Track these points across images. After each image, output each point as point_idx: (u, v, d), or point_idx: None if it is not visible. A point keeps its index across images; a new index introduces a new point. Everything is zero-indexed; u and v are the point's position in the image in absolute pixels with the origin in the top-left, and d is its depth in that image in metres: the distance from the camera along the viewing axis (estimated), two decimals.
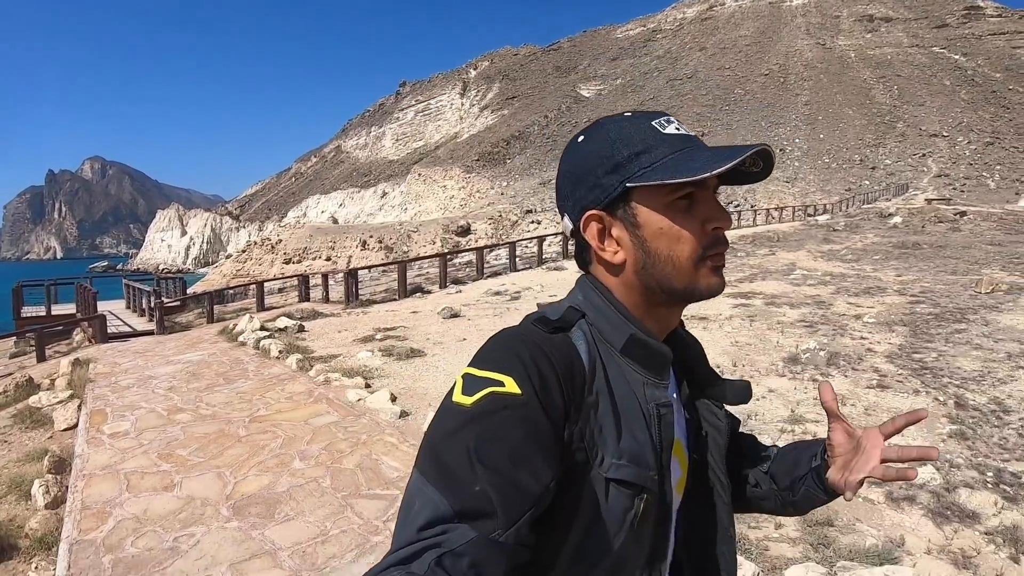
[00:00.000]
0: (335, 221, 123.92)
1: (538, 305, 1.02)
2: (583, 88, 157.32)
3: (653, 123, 0.94)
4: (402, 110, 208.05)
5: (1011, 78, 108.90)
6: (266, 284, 20.61)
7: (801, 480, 1.16)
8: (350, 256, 66.83)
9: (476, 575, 0.70)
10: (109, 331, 14.90)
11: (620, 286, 0.97)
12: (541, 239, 23.53)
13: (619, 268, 0.96)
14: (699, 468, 1.05)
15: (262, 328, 12.07)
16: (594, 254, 0.98)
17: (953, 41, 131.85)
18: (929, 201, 47.78)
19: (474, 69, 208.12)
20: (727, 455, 1.14)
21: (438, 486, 0.74)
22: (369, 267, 22.28)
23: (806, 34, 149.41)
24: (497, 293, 15.56)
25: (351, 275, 16.51)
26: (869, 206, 47.92)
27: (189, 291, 26.85)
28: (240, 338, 11.88)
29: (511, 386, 0.80)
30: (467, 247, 26.45)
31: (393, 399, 6.63)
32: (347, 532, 3.97)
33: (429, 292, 17.48)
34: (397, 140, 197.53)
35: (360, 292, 17.44)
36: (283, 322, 12.50)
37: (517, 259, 22.03)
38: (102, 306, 19.22)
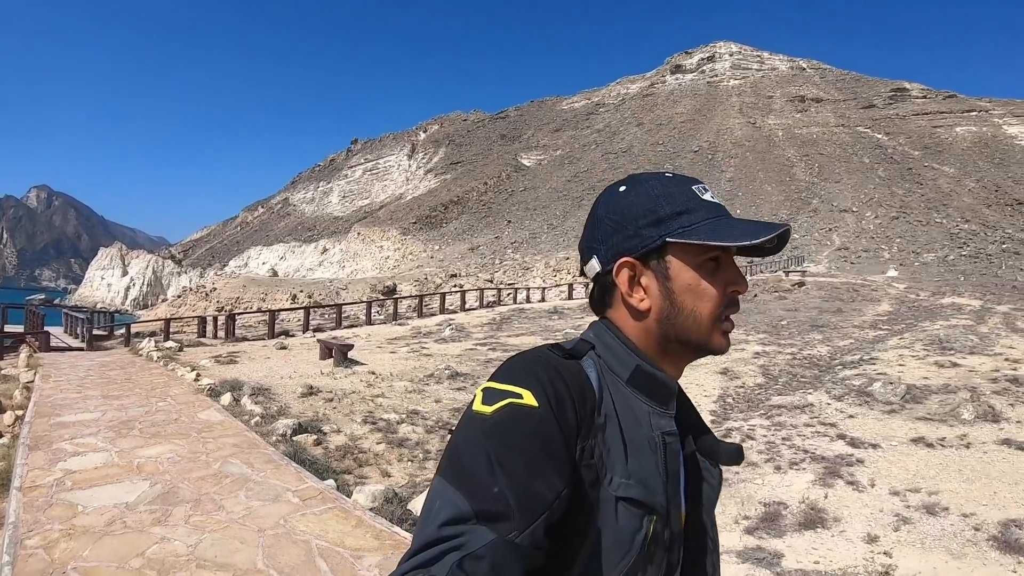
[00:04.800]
0: (275, 273, 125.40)
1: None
2: (524, 157, 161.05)
3: (693, 188, 1.03)
4: (351, 167, 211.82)
5: (929, 155, 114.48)
6: (185, 320, 26.95)
7: None
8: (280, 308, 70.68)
9: None
10: (51, 344, 20.92)
11: (638, 331, 1.04)
12: (396, 300, 30.15)
13: (643, 315, 1.02)
14: (692, 520, 1.07)
15: (155, 347, 18.35)
16: (619, 298, 1.05)
17: (878, 121, 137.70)
18: (787, 272, 49.75)
19: (423, 132, 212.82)
20: None
21: (459, 488, 0.81)
22: (243, 312, 28.61)
23: (739, 113, 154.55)
24: (334, 337, 21.85)
25: (230, 318, 22.96)
26: (763, 277, 47.87)
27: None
28: (140, 352, 18.21)
29: (529, 399, 0.87)
30: (346, 302, 32.83)
31: (197, 375, 13.10)
32: (141, 403, 10.39)
33: (293, 335, 23.38)
34: (344, 197, 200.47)
35: (238, 332, 23.82)
36: (170, 344, 18.83)
37: (375, 314, 28.73)
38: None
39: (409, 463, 8.01)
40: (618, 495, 0.90)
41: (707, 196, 1.02)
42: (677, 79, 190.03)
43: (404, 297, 35.96)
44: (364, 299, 65.17)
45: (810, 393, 12.53)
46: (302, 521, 5.29)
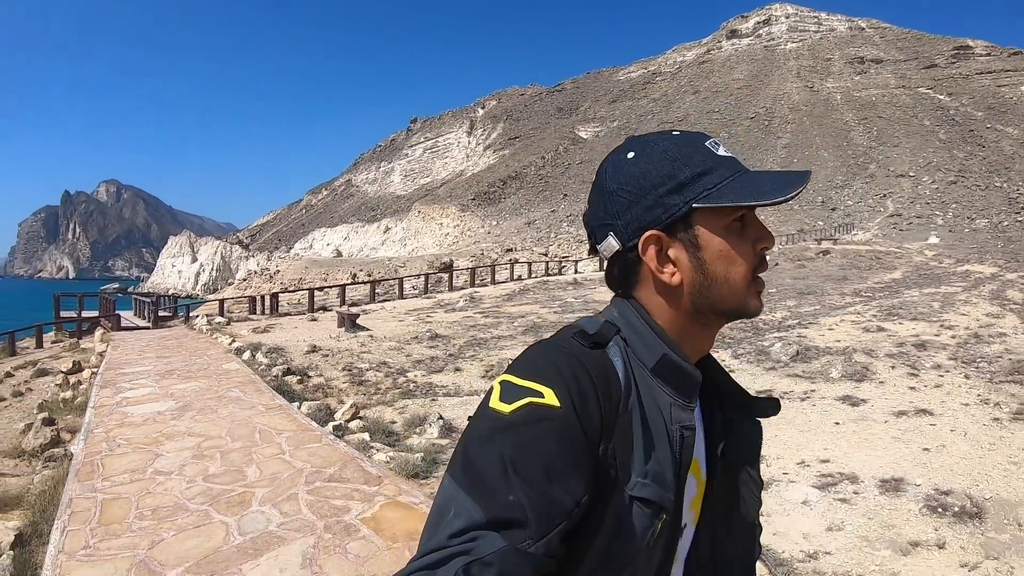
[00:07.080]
0: (339, 254, 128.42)
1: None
2: (581, 130, 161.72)
3: (707, 144, 0.95)
4: (412, 146, 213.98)
5: (992, 116, 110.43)
6: (244, 302, 30.97)
7: None
8: (318, 287, 73.60)
9: None
10: (121, 325, 24.75)
11: (666, 308, 0.97)
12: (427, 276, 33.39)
13: (675, 290, 0.95)
14: (728, 480, 1.05)
15: (207, 322, 21.95)
16: (646, 275, 0.97)
17: (940, 81, 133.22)
18: (819, 241, 51.42)
19: (482, 108, 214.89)
20: None
21: (471, 493, 0.77)
22: (284, 291, 32.07)
23: (796, 77, 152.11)
24: (364, 310, 25.12)
25: (273, 296, 26.45)
26: (791, 246, 48.25)
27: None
28: (193, 327, 21.85)
29: (550, 398, 0.81)
30: (378, 279, 36.15)
31: (232, 340, 16.47)
32: (183, 360, 13.75)
33: (329, 310, 26.52)
34: (405, 176, 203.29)
35: (286, 308, 27.37)
36: (219, 319, 22.40)
37: (409, 289, 32.05)
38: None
39: (362, 396, 11.11)
40: (633, 494, 0.87)
41: (722, 151, 0.96)
42: (733, 44, 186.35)
43: (432, 273, 39.26)
44: (415, 274, 68.28)
45: (713, 352, 14.10)
46: (259, 418, 8.44)
